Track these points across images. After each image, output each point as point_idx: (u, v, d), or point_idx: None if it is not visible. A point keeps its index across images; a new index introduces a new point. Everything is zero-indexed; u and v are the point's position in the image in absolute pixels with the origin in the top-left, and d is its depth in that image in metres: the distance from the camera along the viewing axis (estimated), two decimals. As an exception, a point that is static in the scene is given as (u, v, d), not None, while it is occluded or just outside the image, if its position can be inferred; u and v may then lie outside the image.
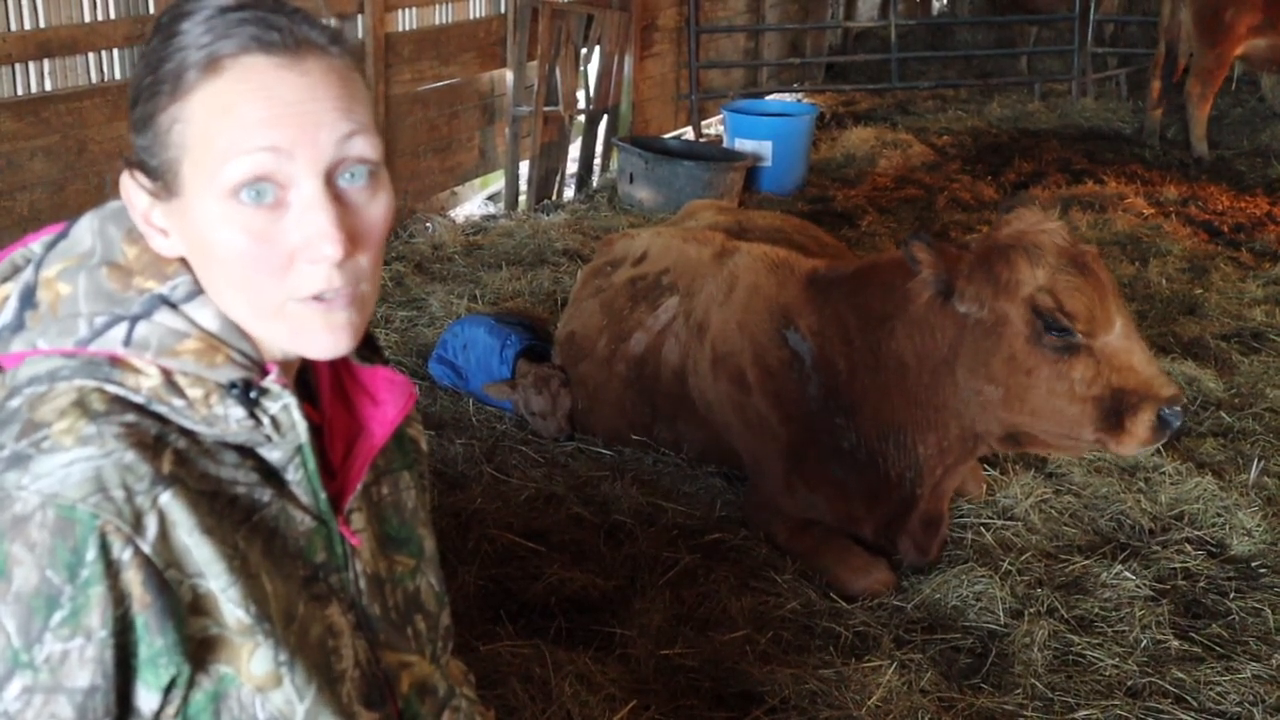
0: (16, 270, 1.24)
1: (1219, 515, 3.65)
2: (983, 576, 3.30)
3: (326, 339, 1.18)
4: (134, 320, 1.16)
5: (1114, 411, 2.93)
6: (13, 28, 4.37)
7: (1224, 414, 4.37)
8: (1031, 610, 3.18)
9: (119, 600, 1.09)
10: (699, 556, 3.39)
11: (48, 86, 4.57)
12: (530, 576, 3.27)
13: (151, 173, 1.17)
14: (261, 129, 1.10)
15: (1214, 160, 8.44)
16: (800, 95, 10.38)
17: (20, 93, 4.47)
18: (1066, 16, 10.39)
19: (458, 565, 3.25)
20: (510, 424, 4.21)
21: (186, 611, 1.13)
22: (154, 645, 1.11)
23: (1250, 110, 9.86)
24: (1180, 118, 8.79)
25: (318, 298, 1.15)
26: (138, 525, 1.09)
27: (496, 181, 7.39)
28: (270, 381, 1.19)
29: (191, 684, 1.15)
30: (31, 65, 4.50)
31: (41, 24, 4.49)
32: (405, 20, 6.44)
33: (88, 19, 4.65)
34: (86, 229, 1.23)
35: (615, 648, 3.00)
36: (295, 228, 1.13)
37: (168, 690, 1.13)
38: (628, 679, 2.86)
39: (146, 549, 1.10)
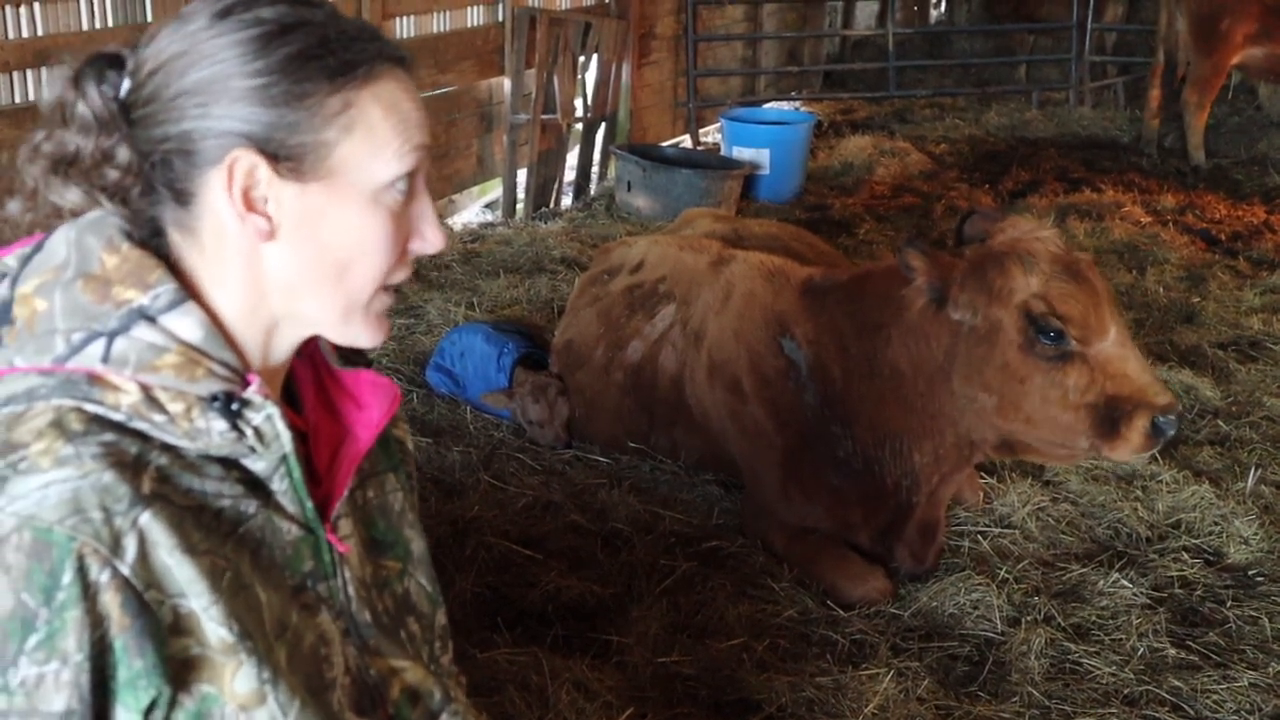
0: None
1: (1216, 524, 3.65)
2: (980, 584, 3.30)
3: (386, 324, 1.29)
4: (111, 336, 1.15)
5: (1108, 419, 2.94)
6: (10, 35, 4.37)
7: (1221, 422, 4.37)
8: (1028, 618, 3.18)
9: (96, 623, 1.08)
10: (696, 564, 3.38)
11: (46, 94, 4.57)
12: (527, 584, 3.27)
13: (281, 151, 1.17)
14: (418, 130, 1.23)
15: (1211, 169, 8.44)
16: (798, 103, 10.39)
17: (19, 100, 4.47)
18: (1064, 25, 10.41)
19: (455, 573, 3.25)
20: (508, 432, 4.21)
21: (167, 632, 1.12)
22: (133, 667, 1.10)
23: (1247, 119, 9.87)
24: (1178, 126, 8.80)
25: (397, 288, 1.26)
26: (116, 547, 1.08)
27: (494, 189, 7.39)
28: (252, 393, 1.19)
29: (173, 704, 1.14)
30: (30, 73, 4.50)
31: (40, 32, 4.49)
32: (403, 28, 6.45)
33: (85, 27, 4.66)
34: (61, 240, 1.21)
35: (612, 655, 3.00)
36: (410, 219, 1.25)
37: (148, 712, 1.13)
38: (625, 686, 2.86)
39: (125, 571, 1.09)
